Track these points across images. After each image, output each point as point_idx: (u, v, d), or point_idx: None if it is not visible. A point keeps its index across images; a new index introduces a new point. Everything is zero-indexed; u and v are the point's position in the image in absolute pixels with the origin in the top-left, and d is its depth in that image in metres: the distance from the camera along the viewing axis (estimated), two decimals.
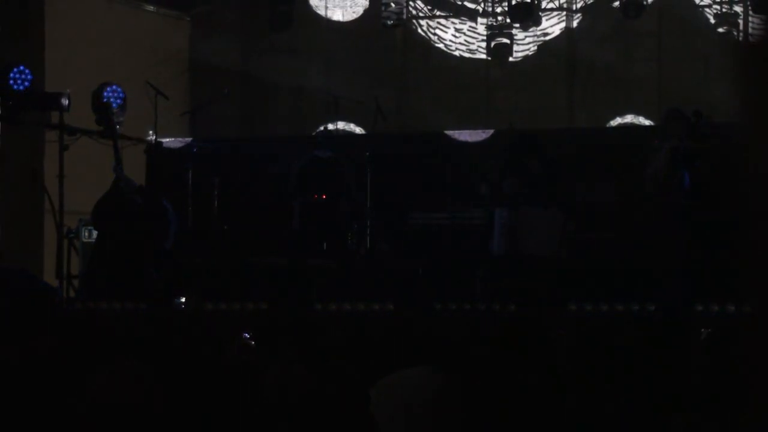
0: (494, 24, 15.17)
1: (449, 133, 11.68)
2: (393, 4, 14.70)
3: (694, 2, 14.73)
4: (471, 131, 11.55)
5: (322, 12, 15.62)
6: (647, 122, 14.59)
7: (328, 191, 10.55)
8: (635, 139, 11.27)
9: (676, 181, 9.05)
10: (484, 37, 15.16)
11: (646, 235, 9.39)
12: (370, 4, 15.34)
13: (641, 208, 9.54)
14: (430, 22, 15.72)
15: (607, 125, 14.64)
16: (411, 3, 15.55)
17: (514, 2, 14.46)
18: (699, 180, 9.07)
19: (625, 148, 10.73)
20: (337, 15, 15.50)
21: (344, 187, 10.55)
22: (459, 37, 15.57)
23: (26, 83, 10.58)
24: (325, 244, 10.42)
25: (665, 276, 8.97)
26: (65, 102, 10.42)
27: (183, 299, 9.15)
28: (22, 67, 10.63)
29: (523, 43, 15.22)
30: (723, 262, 8.57)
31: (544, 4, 15.15)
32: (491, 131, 11.62)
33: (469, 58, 15.49)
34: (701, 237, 9.05)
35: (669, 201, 9.09)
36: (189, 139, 12.37)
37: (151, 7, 14.91)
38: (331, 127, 12.90)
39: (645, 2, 14.12)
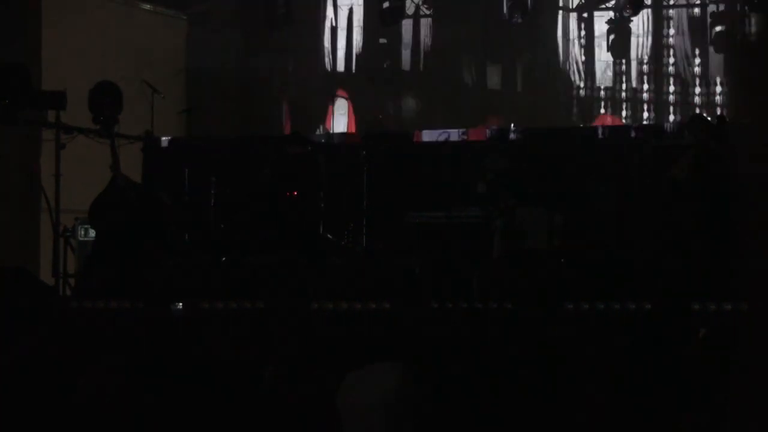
0: (490, 22, 15.19)
1: (446, 131, 11.69)
2: (389, 2, 14.71)
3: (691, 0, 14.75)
4: (469, 130, 11.56)
5: None
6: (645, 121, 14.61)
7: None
8: (631, 138, 11.29)
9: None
10: (480, 36, 15.18)
11: (645, 233, 9.42)
12: (367, 2, 15.35)
13: (646, 208, 9.60)
14: (426, 20, 15.71)
15: (603, 123, 14.66)
16: (407, 1, 15.55)
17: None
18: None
19: (620, 147, 10.76)
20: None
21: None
22: (455, 35, 15.57)
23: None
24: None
25: (662, 274, 8.98)
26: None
27: (180, 305, 9.11)
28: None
29: (519, 41, 15.24)
30: (720, 260, 8.59)
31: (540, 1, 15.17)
32: (491, 130, 11.64)
33: (465, 56, 15.49)
34: (700, 235, 9.07)
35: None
36: (186, 138, 12.37)
37: (147, 6, 14.90)
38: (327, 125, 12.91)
39: (643, 1, 14.14)
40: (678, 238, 9.31)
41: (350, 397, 4.04)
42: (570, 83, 15.27)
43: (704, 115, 9.76)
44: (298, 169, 10.58)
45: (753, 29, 13.11)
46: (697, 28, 14.57)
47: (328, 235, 10.56)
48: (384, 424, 3.91)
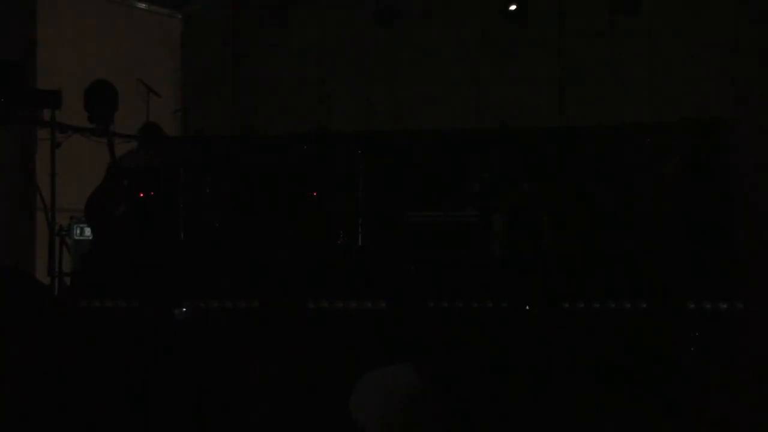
0: (485, 20, 15.18)
1: (443, 130, 11.69)
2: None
3: None
4: (465, 128, 11.56)
5: None
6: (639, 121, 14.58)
7: (319, 188, 10.57)
8: (627, 138, 11.29)
9: (683, 189, 9.18)
10: (476, 33, 15.18)
11: (640, 233, 9.44)
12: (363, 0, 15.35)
13: (639, 208, 9.62)
14: (422, 18, 15.71)
15: (598, 123, 14.62)
16: None
17: None
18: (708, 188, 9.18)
19: (616, 147, 10.76)
20: None
21: (336, 184, 10.56)
22: (450, 33, 15.56)
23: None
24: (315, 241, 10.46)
25: (658, 273, 9.00)
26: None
27: (183, 308, 9.11)
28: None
29: (516, 40, 15.23)
30: (716, 259, 8.60)
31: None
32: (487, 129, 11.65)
33: (461, 55, 15.49)
34: (695, 234, 9.09)
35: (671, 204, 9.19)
36: (181, 137, 12.37)
37: (143, 5, 14.89)
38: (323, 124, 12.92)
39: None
40: (671, 237, 9.33)
41: (365, 397, 4.06)
42: (564, 81, 15.27)
43: (689, 116, 9.77)
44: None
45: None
46: (693, 28, 14.58)
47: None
48: (401, 423, 3.95)
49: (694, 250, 9.07)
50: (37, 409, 7.28)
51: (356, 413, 4.08)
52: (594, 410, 6.04)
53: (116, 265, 9.99)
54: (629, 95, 14.91)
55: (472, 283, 9.61)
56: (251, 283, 9.85)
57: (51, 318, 8.36)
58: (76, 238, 11.15)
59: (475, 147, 11.15)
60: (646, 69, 14.84)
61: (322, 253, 10.42)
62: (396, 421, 3.99)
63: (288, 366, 7.53)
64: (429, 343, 7.45)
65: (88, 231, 10.99)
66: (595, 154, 10.76)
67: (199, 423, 7.42)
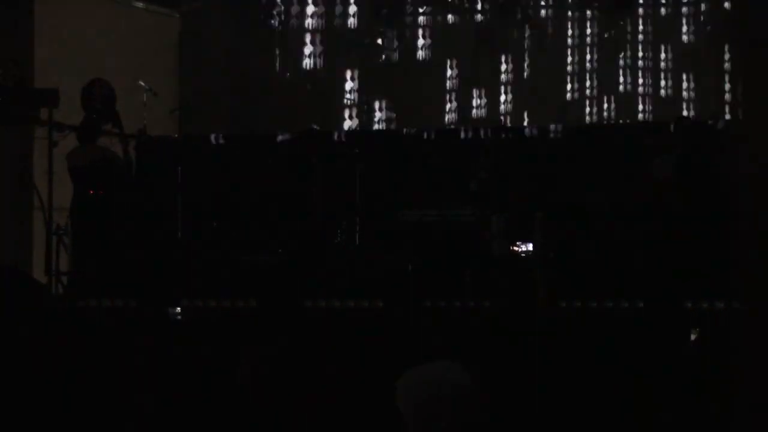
0: (484, 21, 15.20)
1: (442, 130, 11.69)
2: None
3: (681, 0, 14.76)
4: (465, 128, 11.54)
5: None
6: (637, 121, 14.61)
7: (317, 188, 10.57)
8: (625, 138, 11.29)
9: (682, 188, 9.18)
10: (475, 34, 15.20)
11: (637, 232, 9.44)
12: (362, 1, 15.36)
13: (636, 207, 9.62)
14: (421, 19, 15.72)
15: (596, 123, 14.65)
16: None
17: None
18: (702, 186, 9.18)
19: (613, 146, 10.76)
20: None
21: (334, 184, 10.57)
22: (449, 34, 15.58)
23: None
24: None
25: (655, 272, 9.00)
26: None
27: (179, 309, 9.06)
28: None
29: (515, 40, 15.25)
30: (713, 258, 8.60)
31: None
32: (484, 129, 11.64)
33: (459, 55, 15.51)
34: (692, 233, 9.09)
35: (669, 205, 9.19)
36: (179, 136, 12.35)
37: (140, 4, 14.88)
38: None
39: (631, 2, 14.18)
40: (665, 238, 9.34)
41: (411, 395, 4.02)
42: (561, 82, 15.29)
43: (691, 115, 9.84)
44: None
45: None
46: (690, 27, 14.59)
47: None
48: (448, 421, 3.91)
49: (691, 249, 9.07)
50: (34, 409, 7.27)
51: (403, 409, 4.05)
52: (593, 411, 6.03)
53: (109, 264, 9.99)
54: (628, 95, 14.92)
55: (471, 283, 9.60)
56: (249, 282, 9.83)
57: (48, 317, 8.35)
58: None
59: (475, 147, 11.13)
60: (645, 69, 14.85)
61: (320, 252, 10.40)
62: (443, 419, 3.96)
63: (284, 366, 7.51)
64: (428, 343, 7.44)
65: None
66: (594, 154, 10.76)
67: (198, 422, 7.41)
